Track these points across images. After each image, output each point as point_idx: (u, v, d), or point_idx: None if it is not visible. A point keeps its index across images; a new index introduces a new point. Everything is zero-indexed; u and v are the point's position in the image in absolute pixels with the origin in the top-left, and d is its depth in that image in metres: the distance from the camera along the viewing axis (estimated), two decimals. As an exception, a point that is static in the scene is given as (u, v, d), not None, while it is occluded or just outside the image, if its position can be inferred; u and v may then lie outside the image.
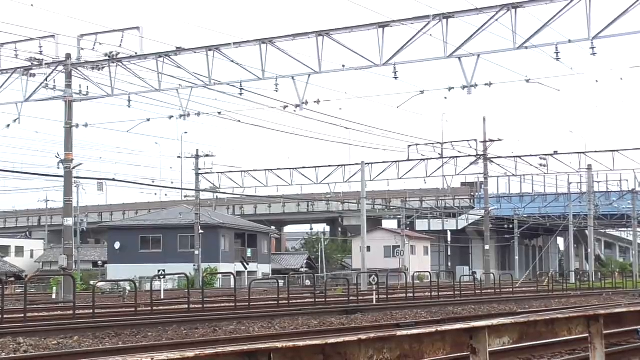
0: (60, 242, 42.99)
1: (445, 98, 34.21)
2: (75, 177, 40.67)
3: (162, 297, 37.39)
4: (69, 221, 36.53)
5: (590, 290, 42.10)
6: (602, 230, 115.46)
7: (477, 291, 40.96)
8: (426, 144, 51.44)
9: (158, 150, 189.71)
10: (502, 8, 27.73)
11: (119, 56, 33.56)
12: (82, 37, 34.62)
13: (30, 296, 38.91)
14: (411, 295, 35.33)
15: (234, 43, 31.70)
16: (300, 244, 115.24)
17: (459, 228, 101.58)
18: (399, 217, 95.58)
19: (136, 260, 71.57)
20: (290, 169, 59.00)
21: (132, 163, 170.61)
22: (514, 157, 56.14)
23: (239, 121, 36.80)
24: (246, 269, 71.37)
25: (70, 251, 36.52)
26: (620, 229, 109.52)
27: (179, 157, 64.25)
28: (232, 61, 31.90)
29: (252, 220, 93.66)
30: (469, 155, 53.63)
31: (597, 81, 51.26)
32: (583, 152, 56.92)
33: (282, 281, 44.53)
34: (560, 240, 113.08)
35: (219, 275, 64.97)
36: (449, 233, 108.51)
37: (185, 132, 79.96)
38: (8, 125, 37.10)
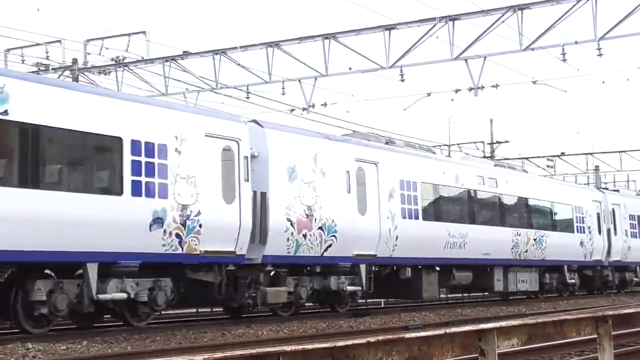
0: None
1: (452, 100, 34.21)
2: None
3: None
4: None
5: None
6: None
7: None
8: (433, 146, 51.41)
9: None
10: (508, 10, 27.72)
11: (125, 61, 33.61)
12: (88, 41, 34.64)
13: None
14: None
15: (241, 47, 31.73)
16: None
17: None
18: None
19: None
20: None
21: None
22: (521, 158, 56.11)
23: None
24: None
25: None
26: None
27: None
28: (239, 65, 31.95)
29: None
30: (477, 157, 53.60)
31: (603, 82, 51.11)
32: (590, 153, 56.90)
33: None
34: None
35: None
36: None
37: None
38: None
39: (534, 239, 32.16)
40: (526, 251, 31.59)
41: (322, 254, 22.58)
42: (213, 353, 6.13)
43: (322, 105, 33.31)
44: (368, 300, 28.38)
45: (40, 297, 16.56)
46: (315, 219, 22.36)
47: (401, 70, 29.80)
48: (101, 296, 17.33)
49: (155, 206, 18.11)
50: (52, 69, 34.81)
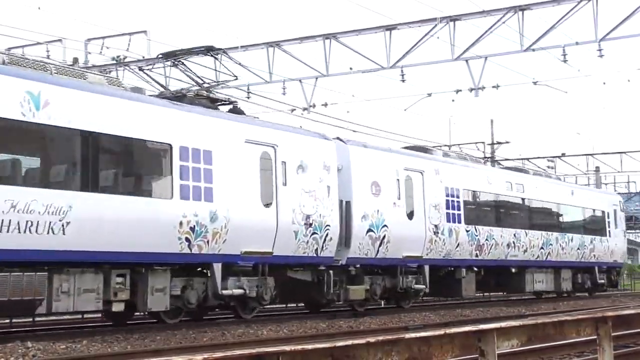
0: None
1: (453, 100, 34.29)
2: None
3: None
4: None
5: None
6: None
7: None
8: (434, 147, 51.38)
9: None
10: (509, 10, 27.73)
11: (126, 60, 33.59)
12: (89, 41, 34.64)
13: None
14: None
15: (242, 46, 31.71)
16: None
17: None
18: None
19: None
20: (298, 172, 58.76)
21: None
22: (522, 159, 56.12)
23: (247, 124, 36.77)
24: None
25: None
26: (627, 231, 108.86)
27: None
28: (239, 64, 31.92)
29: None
30: (477, 158, 53.57)
31: (604, 83, 51.38)
32: (591, 154, 56.94)
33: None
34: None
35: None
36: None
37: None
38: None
39: None
40: None
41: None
42: (213, 353, 6.14)
43: (322, 105, 33.36)
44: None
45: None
46: None
47: (402, 71, 29.82)
48: None
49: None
50: (53, 68, 34.74)
